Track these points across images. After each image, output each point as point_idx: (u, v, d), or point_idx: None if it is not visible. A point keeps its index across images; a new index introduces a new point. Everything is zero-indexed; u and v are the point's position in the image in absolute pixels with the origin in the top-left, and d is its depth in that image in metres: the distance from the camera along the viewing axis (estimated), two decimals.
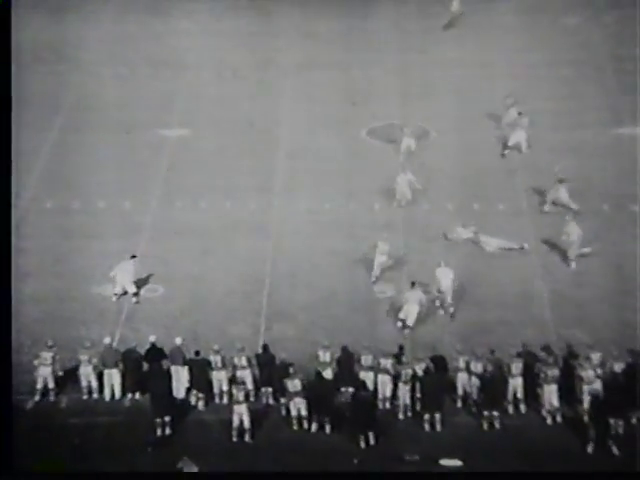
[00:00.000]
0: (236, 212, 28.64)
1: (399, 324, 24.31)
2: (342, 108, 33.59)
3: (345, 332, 23.50)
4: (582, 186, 28.76)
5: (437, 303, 24.90)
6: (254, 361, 22.18)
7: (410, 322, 24.10)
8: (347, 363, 22.03)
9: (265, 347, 22.53)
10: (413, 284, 24.50)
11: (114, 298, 25.26)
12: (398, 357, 22.25)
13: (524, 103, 32.05)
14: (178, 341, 22.42)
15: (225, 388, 22.00)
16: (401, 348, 22.67)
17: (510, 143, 31.02)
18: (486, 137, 31.87)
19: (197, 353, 22.32)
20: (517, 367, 21.73)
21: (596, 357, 21.84)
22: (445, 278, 24.82)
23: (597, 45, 36.89)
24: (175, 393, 21.91)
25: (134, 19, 39.88)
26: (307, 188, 29.77)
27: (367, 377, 21.79)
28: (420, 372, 21.60)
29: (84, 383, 22.18)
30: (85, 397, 22.19)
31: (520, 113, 31.26)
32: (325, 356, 21.96)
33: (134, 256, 25.53)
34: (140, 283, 25.61)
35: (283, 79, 35.54)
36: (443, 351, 22.46)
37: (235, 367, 22.03)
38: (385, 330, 23.90)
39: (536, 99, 33.33)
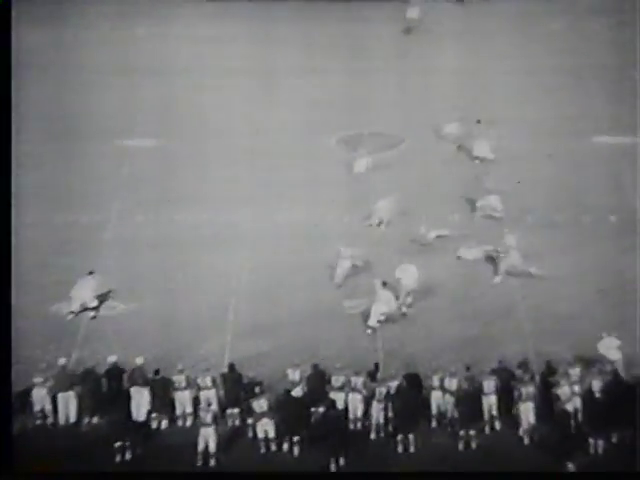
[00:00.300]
0: (206, 224, 28.15)
1: (368, 331, 24.00)
2: (318, 115, 33.27)
3: (317, 349, 23.07)
4: (561, 196, 28.57)
5: (403, 309, 24.54)
6: (219, 381, 21.68)
7: (371, 322, 23.75)
8: (317, 382, 21.63)
9: (231, 366, 22.07)
10: (385, 284, 24.23)
11: (70, 317, 24.66)
12: (372, 375, 21.89)
13: (502, 110, 31.93)
14: (139, 361, 21.94)
15: (189, 410, 21.54)
16: (376, 365, 22.34)
17: (476, 153, 30.72)
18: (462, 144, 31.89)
19: (157, 372, 21.88)
20: (489, 385, 21.45)
21: (575, 373, 21.49)
22: (407, 277, 24.43)
23: (578, 52, 36.81)
24: (135, 416, 21.33)
25: (110, 25, 39.85)
26: (281, 199, 29.31)
27: (338, 397, 21.34)
28: (393, 390, 21.21)
29: (37, 407, 21.51)
30: (39, 422, 21.52)
31: (479, 121, 30.99)
32: (295, 375, 21.61)
33: (92, 272, 25.07)
34: (101, 299, 25.06)
35: (259, 86, 35.27)
36: (418, 368, 22.10)
37: (199, 387, 21.48)
38: (359, 346, 23.44)
39: (515, 106, 33.18)
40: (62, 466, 19.29)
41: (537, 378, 21.77)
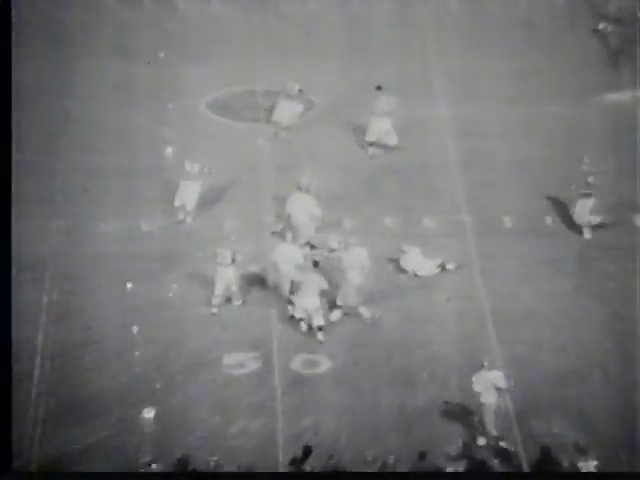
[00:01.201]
0: None
1: (303, 327, 23.52)
2: (168, 70, 31.68)
3: (181, 436, 21.34)
4: (554, 189, 27.26)
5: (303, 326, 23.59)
6: None
7: (318, 321, 23.55)
8: None
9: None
10: (316, 264, 24.00)
11: None
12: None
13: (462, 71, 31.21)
14: None
15: None
16: (307, 450, 20.58)
17: (370, 138, 29.13)
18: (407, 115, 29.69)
19: None
20: None
21: (589, 469, 20.34)
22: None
23: None
24: None
25: None
26: (110, 203, 27.00)
27: None
28: None
29: None
30: None
31: (379, 87, 29.23)
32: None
33: None
34: None
35: None
36: (344, 458, 20.94)
37: None
38: (248, 426, 21.50)
39: (478, 60, 32.31)
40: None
41: (526, 468, 20.65)
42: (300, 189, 26.16)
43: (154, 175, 28.22)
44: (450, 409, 22.16)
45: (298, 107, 30.10)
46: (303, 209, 26.09)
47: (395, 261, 25.46)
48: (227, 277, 23.99)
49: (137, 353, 23.08)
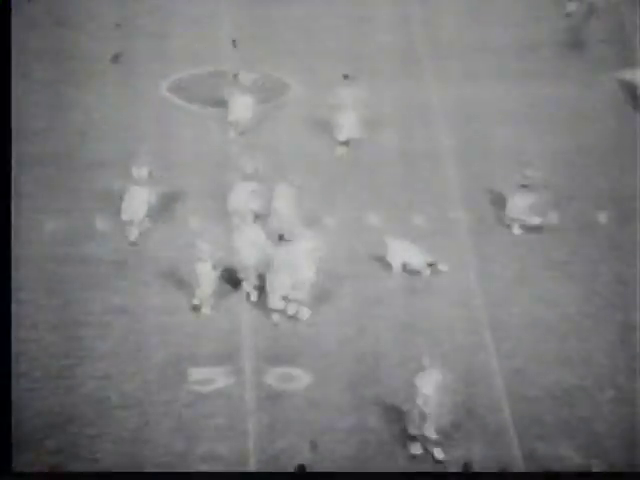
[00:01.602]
0: None
1: (275, 317, 23.35)
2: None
3: None
4: (555, 183, 26.74)
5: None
6: None
7: (291, 311, 23.45)
8: None
9: None
10: (282, 237, 23.85)
11: None
12: None
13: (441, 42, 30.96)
14: None
15: None
16: (301, 471, 19.98)
17: (342, 137, 28.66)
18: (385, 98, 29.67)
19: None
20: None
21: None
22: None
23: None
24: None
25: None
26: (57, 198, 26.41)
27: None
28: None
29: None
30: None
31: (346, 76, 28.92)
32: None
33: None
34: None
35: None
36: None
37: None
38: None
39: (474, 33, 32.24)
40: None
41: None
42: (246, 177, 25.50)
43: (112, 167, 27.17)
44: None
45: (250, 98, 29.98)
46: (247, 198, 25.88)
47: (380, 259, 24.66)
48: (206, 272, 23.66)
49: (87, 368, 21.76)
